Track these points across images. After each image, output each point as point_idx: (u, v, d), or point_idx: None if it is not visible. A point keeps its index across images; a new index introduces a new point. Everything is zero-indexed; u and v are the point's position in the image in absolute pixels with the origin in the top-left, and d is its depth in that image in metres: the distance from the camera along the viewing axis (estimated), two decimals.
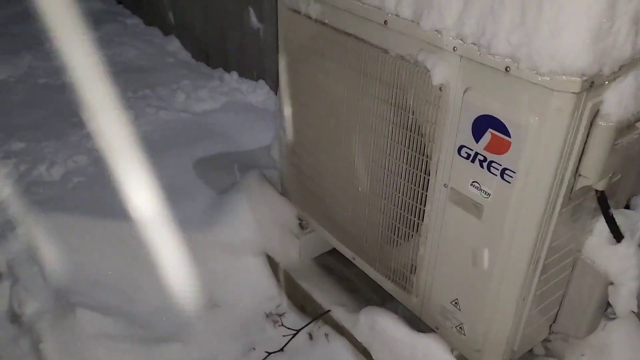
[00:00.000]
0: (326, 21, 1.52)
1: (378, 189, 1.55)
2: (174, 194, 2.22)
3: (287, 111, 1.81)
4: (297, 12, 1.61)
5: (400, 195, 1.48)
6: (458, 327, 1.47)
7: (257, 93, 3.08)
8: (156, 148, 2.50)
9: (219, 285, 1.98)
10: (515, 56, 1.08)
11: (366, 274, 1.75)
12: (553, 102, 1.06)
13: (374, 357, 1.66)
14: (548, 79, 1.05)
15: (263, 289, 1.99)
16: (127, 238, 2.01)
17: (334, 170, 1.69)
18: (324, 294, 1.86)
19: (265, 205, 2.02)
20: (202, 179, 2.31)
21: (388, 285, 1.69)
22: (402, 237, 1.55)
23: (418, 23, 1.25)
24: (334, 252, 2.03)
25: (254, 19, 3.00)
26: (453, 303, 1.46)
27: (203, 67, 3.56)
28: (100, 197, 2.19)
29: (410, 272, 1.57)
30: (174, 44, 3.82)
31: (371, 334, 1.67)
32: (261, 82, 3.14)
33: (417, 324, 1.62)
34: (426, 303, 1.56)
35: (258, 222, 2.01)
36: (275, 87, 3.06)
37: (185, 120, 2.79)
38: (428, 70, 1.26)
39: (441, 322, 1.53)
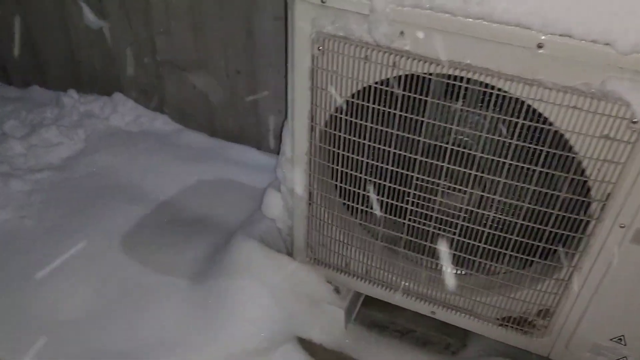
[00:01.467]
0: (408, 48, 1.07)
1: (496, 239, 1.23)
2: (127, 301, 1.57)
3: (311, 162, 1.33)
4: (347, 38, 1.11)
5: (536, 240, 1.20)
6: None
7: (119, 112, 2.34)
8: (50, 240, 1.73)
9: None
10: None
11: (421, 315, 1.47)
12: None
13: None
14: None
15: None
16: None
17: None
18: None
19: (283, 280, 1.54)
20: (150, 267, 1.67)
21: (492, 332, 1.43)
22: (527, 284, 1.28)
23: (610, 44, 0.92)
24: (366, 301, 1.68)
25: (89, 15, 2.20)
26: (615, 340, 1.28)
27: (4, 89, 2.57)
28: None
29: (540, 317, 1.33)
30: None
31: None
32: (118, 95, 2.38)
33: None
34: (562, 342, 1.35)
35: (279, 304, 1.53)
36: (142, 97, 2.36)
37: (53, 182, 1.98)
38: (625, 103, 0.96)
39: (590, 358, 1.34)
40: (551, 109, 1.02)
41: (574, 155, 1.06)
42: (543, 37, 0.96)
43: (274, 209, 1.52)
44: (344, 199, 1.35)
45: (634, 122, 0.98)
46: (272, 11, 1.87)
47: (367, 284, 1.50)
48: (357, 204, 1.33)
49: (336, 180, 1.32)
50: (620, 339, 1.27)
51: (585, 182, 1.08)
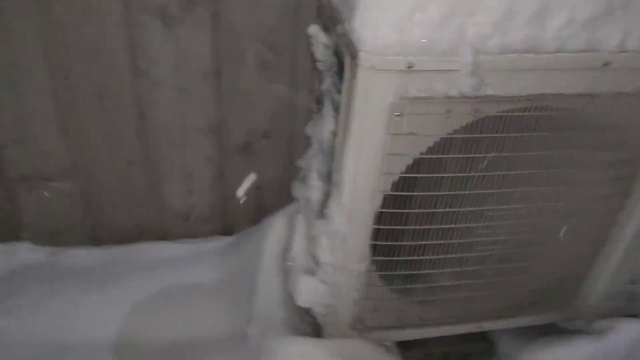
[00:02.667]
0: (490, 92, 1.10)
1: (549, 236, 1.37)
2: None
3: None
4: (430, 98, 1.08)
5: (590, 227, 1.37)
6: None
7: None
8: None
9: None
10: None
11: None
12: None
13: None
14: None
15: None
16: None
17: (452, 250, 1.35)
18: None
19: None
20: None
21: (529, 320, 1.58)
22: (574, 264, 1.46)
23: None
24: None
25: None
26: (630, 280, 1.54)
27: None
28: None
29: (575, 287, 1.53)
30: None
31: None
32: None
33: None
34: (588, 300, 1.56)
35: None
36: None
37: None
38: None
39: (610, 305, 1.59)
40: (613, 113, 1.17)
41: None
42: (607, 57, 1.09)
43: (314, 295, 1.37)
44: (410, 256, 1.31)
45: None
46: (173, 84, 1.63)
47: (422, 328, 1.48)
48: (429, 255, 1.30)
49: (407, 240, 1.27)
50: (634, 281, 1.54)
51: None
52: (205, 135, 1.74)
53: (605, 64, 1.10)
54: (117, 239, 1.90)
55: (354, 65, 1.04)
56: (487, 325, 1.54)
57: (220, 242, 1.93)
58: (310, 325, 1.52)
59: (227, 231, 1.98)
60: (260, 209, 1.95)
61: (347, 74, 1.09)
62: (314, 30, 1.25)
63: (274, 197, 1.93)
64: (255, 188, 1.90)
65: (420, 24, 0.98)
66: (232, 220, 1.97)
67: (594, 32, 1.06)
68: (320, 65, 1.27)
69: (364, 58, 1.01)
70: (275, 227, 1.67)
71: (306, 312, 1.51)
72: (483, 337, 1.69)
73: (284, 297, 1.57)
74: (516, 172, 1.21)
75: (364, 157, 1.13)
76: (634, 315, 1.61)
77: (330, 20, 1.20)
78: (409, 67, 1.02)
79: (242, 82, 1.66)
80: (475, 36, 1.01)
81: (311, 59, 1.36)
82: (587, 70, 1.10)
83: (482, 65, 1.04)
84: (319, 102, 1.34)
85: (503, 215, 1.28)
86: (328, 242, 1.28)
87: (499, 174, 1.20)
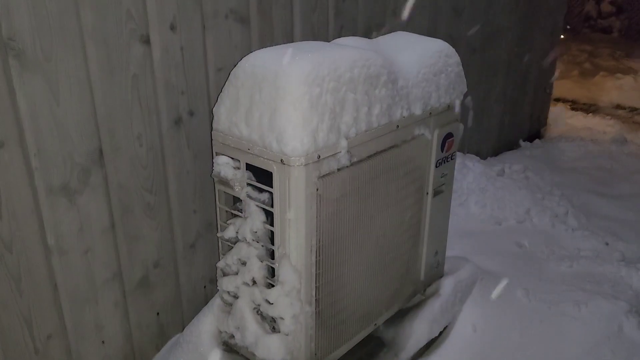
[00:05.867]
0: (355, 159, 1.80)
1: (397, 239, 2.12)
2: None
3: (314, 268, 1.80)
4: (332, 173, 1.72)
5: (412, 226, 2.17)
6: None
7: None
8: None
9: None
10: None
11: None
12: None
13: None
14: None
15: None
16: None
17: (356, 271, 1.99)
18: None
19: None
20: None
21: (404, 303, 2.29)
22: (410, 254, 2.23)
23: (414, 113, 1.99)
24: None
25: None
26: (435, 253, 2.40)
27: None
28: None
29: (414, 271, 2.30)
30: None
31: None
32: None
33: None
34: (420, 277, 2.36)
35: None
36: None
37: None
38: (423, 134, 2.06)
39: (433, 272, 2.41)
40: (408, 153, 1.98)
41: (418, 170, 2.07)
42: (397, 122, 1.91)
43: (285, 346, 1.78)
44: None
45: (425, 140, 2.08)
46: (79, 248, 1.84)
47: (348, 342, 2.03)
48: (349, 276, 1.89)
49: (334, 274, 1.83)
50: (437, 252, 2.40)
51: None
52: (111, 283, 1.96)
53: (397, 127, 1.91)
54: None
55: (287, 167, 1.60)
56: (378, 321, 2.17)
57: None
58: None
59: None
60: (162, 333, 2.20)
61: (277, 174, 1.63)
62: (224, 159, 1.74)
63: (171, 318, 2.21)
64: (155, 314, 2.15)
65: (320, 132, 1.61)
66: (140, 354, 2.15)
67: (390, 111, 1.85)
68: (231, 183, 1.76)
69: (295, 161, 1.58)
70: (205, 327, 1.99)
71: None
72: (371, 339, 2.30)
73: None
74: (381, 202, 1.91)
75: (303, 223, 1.67)
76: (441, 276, 2.48)
77: (237, 149, 1.72)
78: (319, 157, 1.63)
79: (132, 227, 1.97)
80: (345, 130, 1.69)
81: (217, 181, 1.82)
82: (391, 132, 1.89)
83: (350, 145, 1.72)
84: (237, 208, 1.81)
85: (382, 231, 1.96)
86: (287, 300, 1.74)
87: (375, 205, 1.88)
